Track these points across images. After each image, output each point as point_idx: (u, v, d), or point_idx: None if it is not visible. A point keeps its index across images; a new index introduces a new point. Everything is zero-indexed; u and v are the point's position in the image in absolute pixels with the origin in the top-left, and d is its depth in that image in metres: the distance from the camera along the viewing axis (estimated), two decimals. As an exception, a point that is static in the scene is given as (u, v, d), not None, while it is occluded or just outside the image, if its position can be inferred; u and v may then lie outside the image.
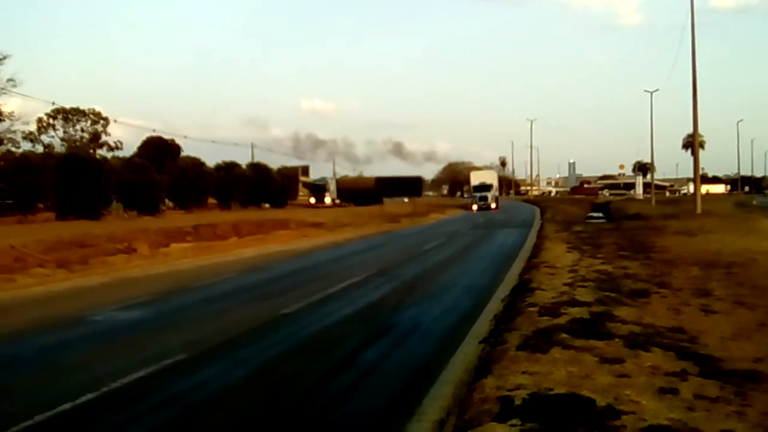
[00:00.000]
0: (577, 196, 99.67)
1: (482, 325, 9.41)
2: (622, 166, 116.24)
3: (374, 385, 7.09)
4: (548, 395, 5.12)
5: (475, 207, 61.68)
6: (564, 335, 7.12)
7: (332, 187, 77.13)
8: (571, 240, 21.04)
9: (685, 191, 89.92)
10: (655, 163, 71.79)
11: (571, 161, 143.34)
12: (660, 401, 5.01)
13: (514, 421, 4.70)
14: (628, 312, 8.61)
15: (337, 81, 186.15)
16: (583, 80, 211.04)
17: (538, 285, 11.36)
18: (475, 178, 69.45)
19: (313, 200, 72.45)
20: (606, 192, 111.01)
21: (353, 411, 6.31)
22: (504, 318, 9.09)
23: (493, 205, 62.29)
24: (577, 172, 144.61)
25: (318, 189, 75.60)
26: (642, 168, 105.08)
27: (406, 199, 71.36)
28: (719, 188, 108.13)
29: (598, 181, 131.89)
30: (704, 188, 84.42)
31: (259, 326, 10.21)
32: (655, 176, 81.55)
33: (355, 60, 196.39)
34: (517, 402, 5.04)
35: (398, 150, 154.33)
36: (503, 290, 12.37)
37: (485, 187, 64.70)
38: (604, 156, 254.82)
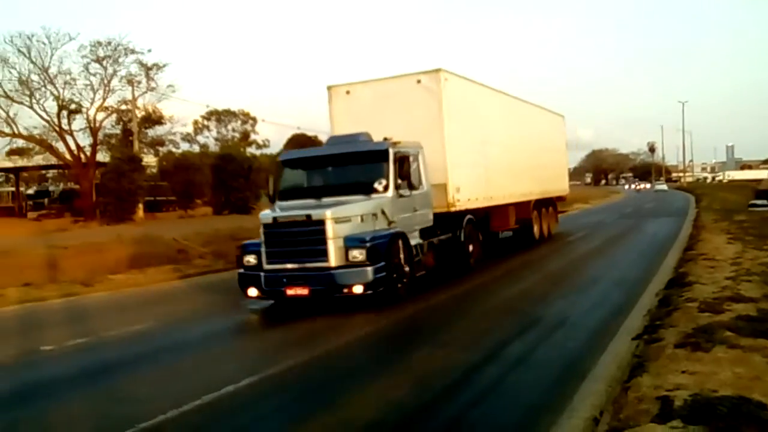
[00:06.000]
0: (736, 182, 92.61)
1: (634, 321, 8.94)
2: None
3: (521, 380, 6.96)
4: (712, 397, 4.80)
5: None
6: (728, 333, 6.63)
7: None
8: (732, 230, 19.47)
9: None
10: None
11: (729, 145, 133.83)
12: None
13: (674, 423, 4.45)
14: (803, 309, 7.85)
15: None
16: (738, 57, 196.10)
17: (696, 279, 10.65)
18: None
19: None
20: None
21: (501, 404, 6.23)
22: (659, 314, 8.60)
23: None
24: (737, 156, 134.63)
25: None
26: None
27: None
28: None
29: (761, 166, 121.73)
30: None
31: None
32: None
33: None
34: (678, 403, 4.76)
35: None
36: (657, 284, 11.69)
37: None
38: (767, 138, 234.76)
